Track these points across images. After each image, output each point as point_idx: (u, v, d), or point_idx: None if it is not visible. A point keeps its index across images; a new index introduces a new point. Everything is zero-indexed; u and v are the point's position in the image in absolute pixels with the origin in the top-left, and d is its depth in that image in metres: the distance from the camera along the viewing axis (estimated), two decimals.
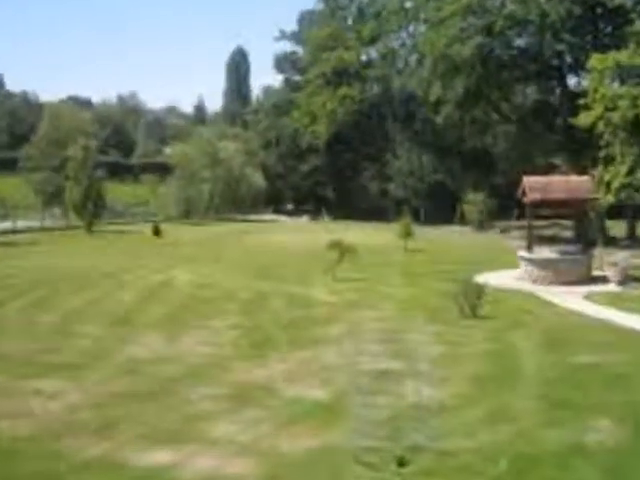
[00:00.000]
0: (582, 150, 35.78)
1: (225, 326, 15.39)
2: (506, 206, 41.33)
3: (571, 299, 18.14)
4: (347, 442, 8.74)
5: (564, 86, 40.38)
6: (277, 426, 9.38)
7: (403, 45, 52.85)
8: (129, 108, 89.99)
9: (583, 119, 29.37)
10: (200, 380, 11.41)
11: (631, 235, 35.40)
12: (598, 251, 23.98)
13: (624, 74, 29.82)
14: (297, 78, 60.40)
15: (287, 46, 75.02)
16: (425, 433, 8.83)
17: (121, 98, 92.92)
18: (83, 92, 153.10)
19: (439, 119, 43.50)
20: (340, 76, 52.14)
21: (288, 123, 55.83)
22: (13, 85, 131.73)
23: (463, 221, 42.86)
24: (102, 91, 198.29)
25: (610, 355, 12.62)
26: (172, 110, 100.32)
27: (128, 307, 17.62)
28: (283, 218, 52.89)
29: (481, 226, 41.28)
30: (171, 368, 12.12)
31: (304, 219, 51.66)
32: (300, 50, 60.72)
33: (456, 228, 42.05)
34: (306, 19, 61.42)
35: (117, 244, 34.20)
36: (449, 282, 18.42)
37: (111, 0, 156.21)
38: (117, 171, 61.82)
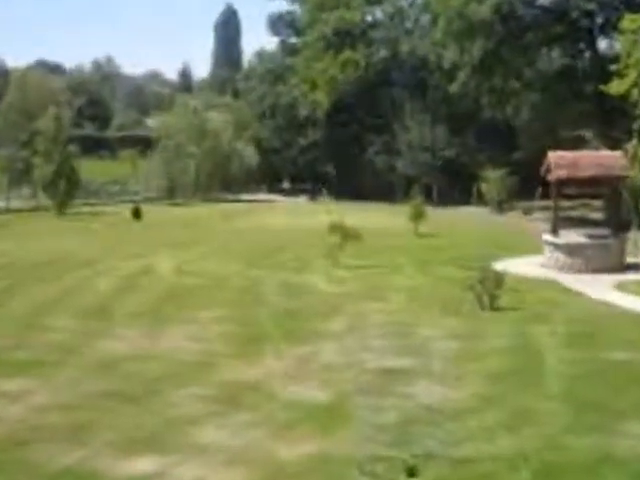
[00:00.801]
0: (614, 121, 35.67)
1: (214, 319, 15.38)
2: (529, 185, 41.08)
3: (601, 289, 18.09)
4: (350, 449, 8.71)
5: (594, 50, 40.17)
6: (272, 431, 9.35)
7: (412, 4, 52.57)
8: (106, 75, 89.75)
9: (615, 87, 29.17)
10: (185, 379, 11.38)
11: None
12: (632, 235, 23.89)
13: None
14: (294, 41, 60.13)
15: (282, 5, 74.81)
16: (438, 438, 8.81)
17: (97, 64, 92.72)
18: (54, 57, 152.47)
19: (453, 87, 43.28)
20: (342, 39, 51.84)
21: (284, 91, 55.62)
22: None
23: (481, 201, 42.78)
24: (75, 56, 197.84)
25: None
26: (154, 77, 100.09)
27: (105, 297, 17.62)
28: (279, 198, 52.83)
29: (501, 207, 41.22)
30: (153, 366, 12.10)
31: (302, 199, 51.59)
32: (297, 10, 60.38)
33: (473, 209, 42.00)
34: None
35: (93, 227, 34.16)
36: (465, 270, 18.43)
37: None
38: (92, 145, 61.76)
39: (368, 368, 11.75)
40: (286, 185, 59.84)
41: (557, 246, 21.41)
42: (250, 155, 53.49)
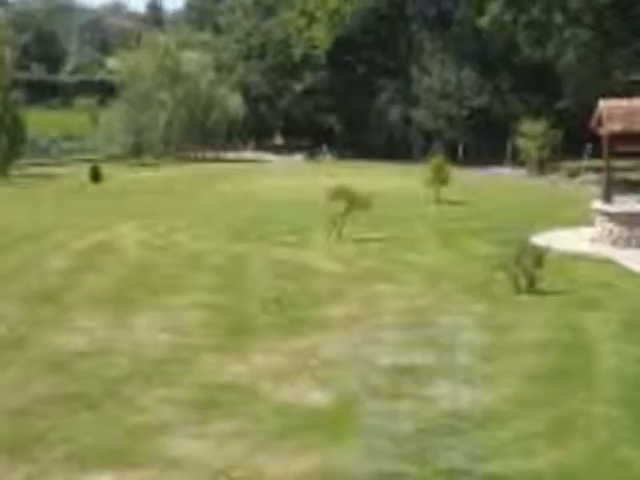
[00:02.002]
0: None
1: (190, 305, 15.38)
2: (575, 140, 41.07)
3: None
4: (356, 465, 8.67)
5: None
6: (260, 442, 9.31)
7: None
8: (57, 6, 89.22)
9: None
10: (155, 379, 11.35)
11: None
12: None
13: None
14: None
15: None
16: (464, 452, 8.79)
17: None
18: None
19: (483, 21, 43.10)
20: None
21: (276, 27, 55.26)
22: None
23: (516, 161, 42.76)
24: None
25: None
26: (117, 9, 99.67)
27: (57, 279, 17.62)
28: (270, 157, 52.81)
29: (541, 168, 41.21)
30: (116, 363, 12.07)
31: (298, 158, 51.58)
32: None
33: (507, 171, 41.98)
34: None
35: (42, 193, 34.13)
36: (497, 245, 18.56)
37: None
38: (41, 92, 61.50)
39: (378, 365, 11.71)
40: (278, 141, 59.84)
41: (611, 215, 21.34)
42: (234, 104, 53.33)
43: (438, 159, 31.11)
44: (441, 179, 30.07)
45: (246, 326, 13.96)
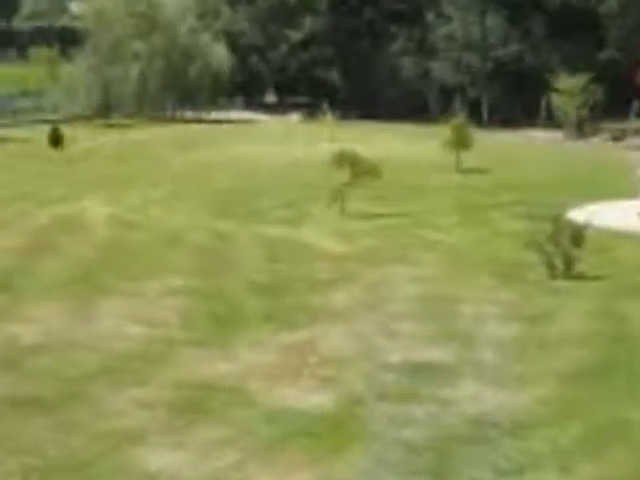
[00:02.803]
0: None
1: (167, 291, 15.37)
2: (620, 98, 40.95)
3: None
4: (362, 479, 8.66)
5: None
6: (250, 453, 9.26)
7: None
8: None
9: None
10: (125, 378, 11.28)
11: None
12: None
13: None
14: None
15: None
16: (490, 464, 8.72)
17: None
18: None
19: None
20: None
21: None
22: None
23: (551, 122, 42.64)
24: None
25: None
26: None
27: (9, 260, 17.63)
28: (261, 117, 52.70)
29: (580, 129, 41.13)
30: (78, 359, 12.02)
31: (294, 119, 51.46)
32: None
33: (540, 133, 41.90)
34: None
35: None
36: (528, 221, 18.59)
37: None
38: None
39: (389, 362, 11.65)
40: (271, 99, 59.68)
41: None
42: (219, 55, 53.17)
43: (459, 120, 31.08)
44: (463, 143, 30.03)
45: (233, 316, 13.91)
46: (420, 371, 11.36)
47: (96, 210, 22.85)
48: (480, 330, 12.95)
